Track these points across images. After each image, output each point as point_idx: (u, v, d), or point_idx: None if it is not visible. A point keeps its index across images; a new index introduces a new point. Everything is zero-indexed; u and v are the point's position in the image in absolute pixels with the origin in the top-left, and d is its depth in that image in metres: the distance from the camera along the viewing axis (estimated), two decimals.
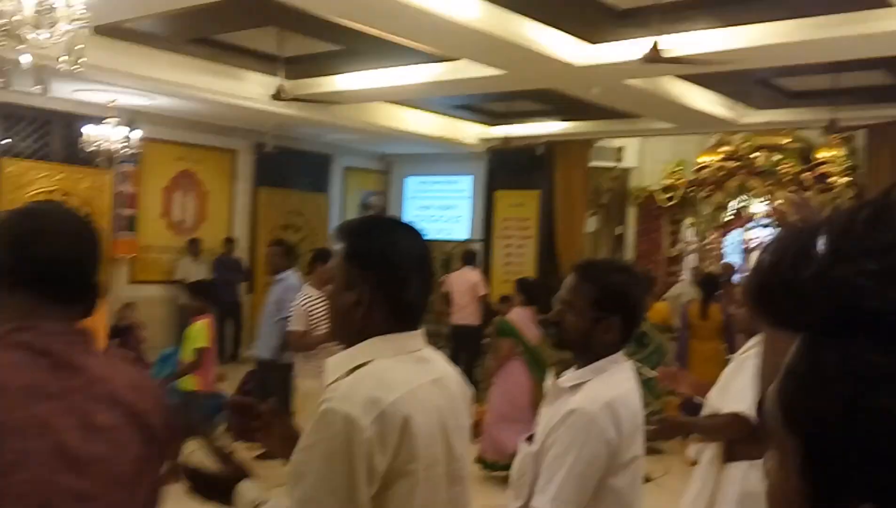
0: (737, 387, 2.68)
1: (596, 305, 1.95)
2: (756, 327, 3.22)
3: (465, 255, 9.16)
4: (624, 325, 1.97)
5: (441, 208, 12.03)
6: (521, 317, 5.93)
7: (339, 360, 1.46)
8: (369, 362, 1.44)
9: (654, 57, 5.49)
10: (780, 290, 0.54)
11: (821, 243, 0.53)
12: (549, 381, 2.08)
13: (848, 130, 8.97)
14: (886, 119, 8.37)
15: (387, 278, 1.48)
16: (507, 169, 10.70)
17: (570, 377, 1.99)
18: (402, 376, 1.43)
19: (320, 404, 1.36)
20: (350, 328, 1.48)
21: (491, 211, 11.00)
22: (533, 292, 6.09)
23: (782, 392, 0.53)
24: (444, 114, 10.01)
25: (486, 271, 10.33)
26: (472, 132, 10.54)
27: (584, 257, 10.69)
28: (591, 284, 1.97)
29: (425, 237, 1.55)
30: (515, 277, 10.76)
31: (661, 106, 8.19)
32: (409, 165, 12.30)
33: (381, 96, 8.52)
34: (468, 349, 8.47)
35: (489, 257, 10.86)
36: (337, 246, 1.51)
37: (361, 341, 1.47)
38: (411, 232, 1.54)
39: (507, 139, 9.94)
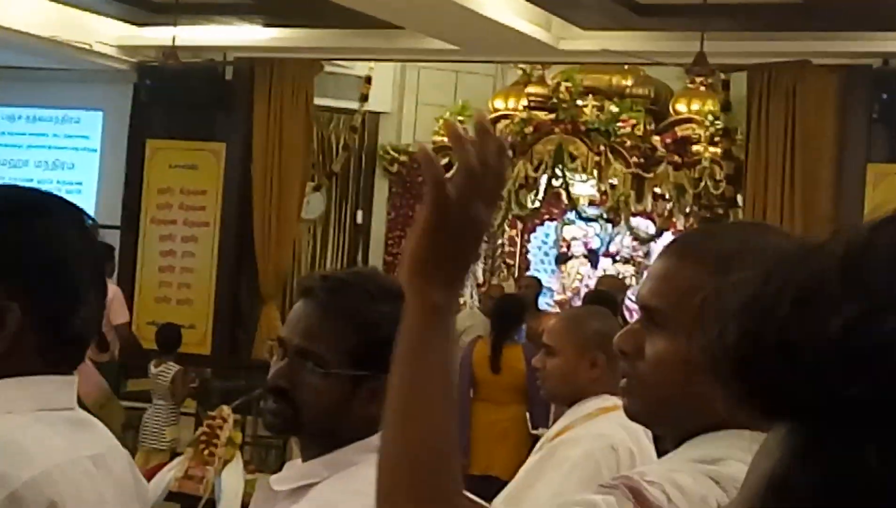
0: (545, 492, 3.01)
1: (356, 359, 2.07)
2: (574, 393, 3.49)
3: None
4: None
5: (46, 168, 11.90)
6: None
7: None
8: None
9: None
10: (782, 358, 0.63)
11: (832, 283, 0.63)
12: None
13: (723, 69, 9.43)
14: (780, 57, 8.88)
15: (45, 291, 1.64)
16: (168, 103, 10.73)
17: (288, 474, 2.15)
18: (46, 443, 1.60)
19: None
20: None
21: (139, 175, 11.04)
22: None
23: None
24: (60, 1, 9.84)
25: (130, 283, 10.43)
26: (106, 33, 10.49)
27: (293, 262, 10.90)
28: (349, 323, 2.08)
29: (89, 223, 1.73)
30: (181, 293, 10.71)
31: (436, 13, 8.30)
32: None
33: None
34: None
35: (135, 259, 10.84)
36: None
37: None
38: (72, 215, 1.70)
39: (170, 50, 9.58)
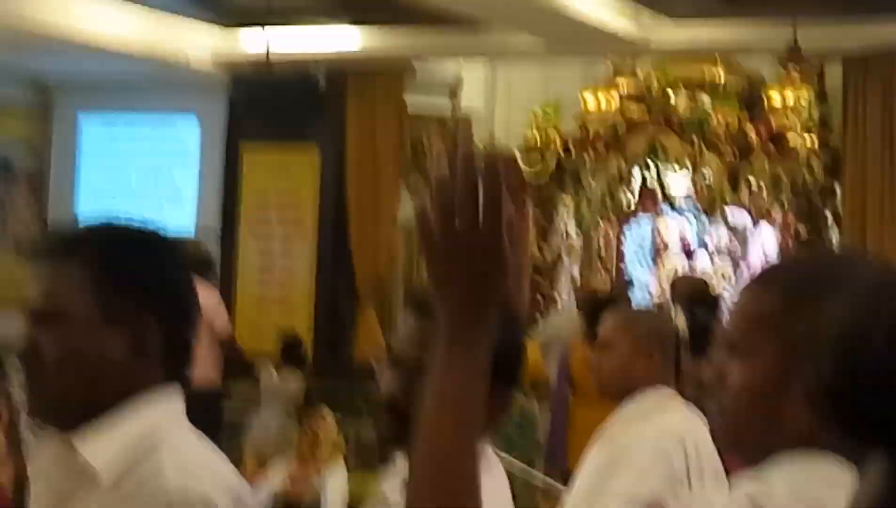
0: (622, 489, 3.20)
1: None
2: (628, 385, 3.55)
3: (192, 260, 8.94)
4: (509, 395, 2.22)
5: (144, 173, 12.03)
6: None
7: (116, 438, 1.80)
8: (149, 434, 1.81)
9: None
10: (879, 391, 0.64)
11: None
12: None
13: (817, 58, 9.29)
14: (876, 44, 8.74)
15: (172, 308, 1.88)
16: (263, 108, 10.78)
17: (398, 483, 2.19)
18: (220, 463, 1.86)
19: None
20: (108, 386, 1.82)
21: (235, 180, 11.12)
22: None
23: None
24: (149, 6, 9.99)
25: (228, 289, 10.48)
26: (199, 42, 10.61)
27: (398, 265, 10.97)
28: None
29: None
30: (281, 294, 10.83)
31: (524, 9, 8.30)
32: (84, 97, 12.21)
33: None
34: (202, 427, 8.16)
35: (232, 264, 10.86)
36: (55, 262, 1.85)
37: (119, 402, 1.81)
38: (170, 242, 1.97)
39: (264, 57, 9.67)
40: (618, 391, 3.61)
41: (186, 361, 1.91)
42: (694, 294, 7.82)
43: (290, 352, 8.71)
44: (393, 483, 2.22)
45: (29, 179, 12.18)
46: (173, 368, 1.87)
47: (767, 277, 1.66)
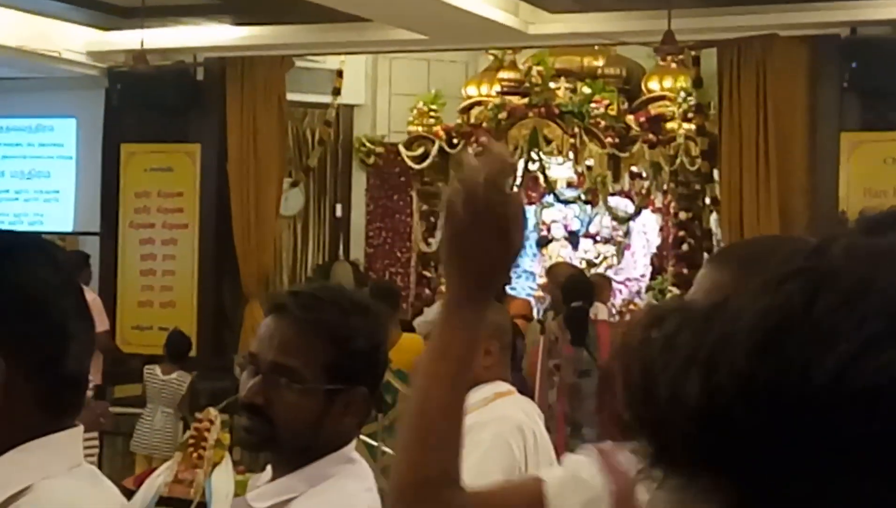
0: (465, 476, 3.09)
1: (331, 373, 2.10)
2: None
3: (73, 261, 8.79)
4: (369, 396, 2.17)
5: (21, 176, 11.81)
6: None
7: None
8: (28, 487, 1.47)
9: None
10: (752, 410, 0.60)
11: (822, 316, 0.61)
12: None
13: (692, 48, 9.44)
14: (748, 31, 8.91)
15: (30, 336, 1.49)
16: (141, 106, 10.70)
17: (265, 490, 2.15)
18: (101, 505, 1.56)
19: None
20: None
21: (115, 180, 11.01)
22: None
23: None
24: (22, 8, 9.78)
25: (111, 290, 10.40)
26: (77, 43, 10.48)
27: (274, 260, 10.90)
28: (324, 338, 2.11)
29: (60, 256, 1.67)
30: (164, 296, 10.69)
31: (403, 3, 8.38)
32: None
33: None
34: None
35: (116, 264, 10.77)
36: None
37: None
38: (41, 250, 1.59)
39: (139, 54, 9.54)
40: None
41: (72, 398, 1.57)
42: (569, 283, 7.91)
43: (175, 352, 8.58)
44: (261, 491, 2.19)
45: None
46: (55, 409, 1.53)
47: (720, 254, 1.85)
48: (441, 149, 11.12)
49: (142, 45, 9.52)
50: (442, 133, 11.13)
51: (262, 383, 2.11)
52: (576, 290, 7.72)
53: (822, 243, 0.65)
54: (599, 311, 8.41)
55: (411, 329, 8.77)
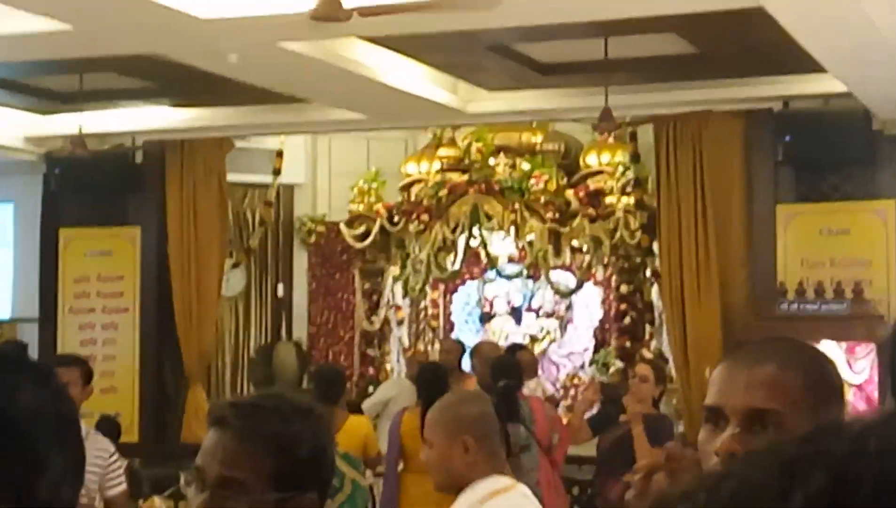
0: None
1: (278, 482, 2.08)
2: (457, 480, 3.49)
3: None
4: (318, 501, 2.14)
5: None
6: None
7: None
8: None
9: (333, 11, 5.51)
10: None
11: None
12: None
13: (629, 124, 9.59)
14: (684, 106, 9.08)
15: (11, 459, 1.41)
16: (80, 190, 10.71)
17: None
18: None
19: None
20: None
21: (54, 265, 10.97)
22: None
23: None
24: None
25: None
26: (13, 125, 10.53)
27: (216, 341, 10.83)
28: (267, 447, 2.09)
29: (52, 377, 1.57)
30: (105, 381, 10.52)
31: (343, 85, 8.42)
32: None
33: None
34: None
35: (54, 351, 10.65)
36: None
37: None
38: (25, 369, 1.51)
39: (78, 138, 9.51)
40: (451, 486, 3.54)
41: None
42: (498, 362, 7.98)
43: (106, 435, 8.41)
44: None
45: None
46: None
47: (782, 356, 1.89)
48: (382, 227, 11.17)
49: (80, 129, 9.49)
50: (383, 211, 11.17)
51: (210, 499, 2.09)
52: (504, 369, 7.79)
53: (854, 432, 0.63)
54: (533, 387, 8.48)
55: (357, 410, 8.75)
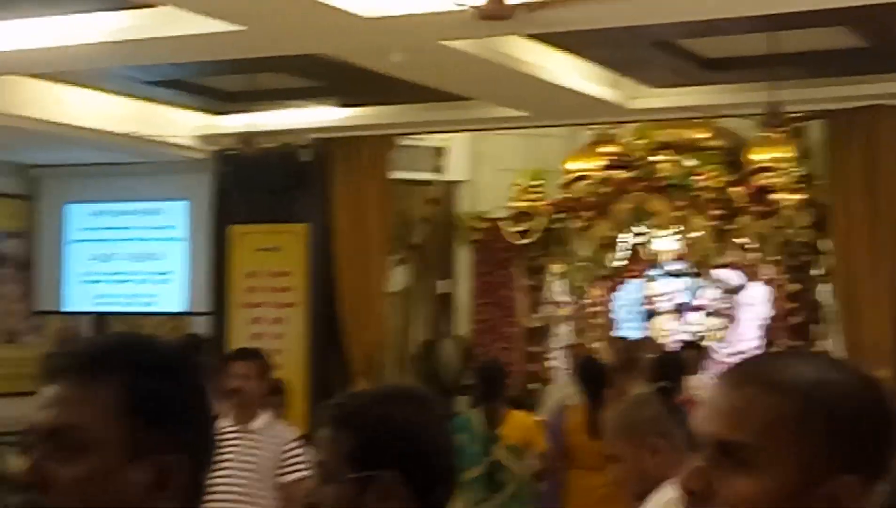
0: None
1: (356, 460, 2.15)
2: (649, 486, 3.36)
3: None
4: (410, 483, 2.15)
5: (133, 259, 12.11)
6: None
7: None
8: None
9: (498, 9, 5.58)
10: None
11: None
12: None
13: (799, 119, 9.44)
14: (855, 101, 8.91)
15: (199, 448, 1.66)
16: (250, 188, 10.88)
17: None
18: None
19: None
20: None
21: (224, 261, 11.16)
22: None
23: None
24: (136, 95, 10.14)
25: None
26: (186, 125, 10.76)
27: (381, 339, 10.98)
28: (348, 430, 2.19)
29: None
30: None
31: (505, 83, 8.44)
32: (72, 185, 12.33)
33: (16, 66, 8.50)
34: None
35: (224, 347, 10.77)
36: (78, 382, 1.60)
37: None
38: (196, 366, 1.74)
39: (248, 136, 9.81)
40: (648, 492, 3.45)
41: (200, 501, 1.68)
42: (660, 361, 7.96)
43: None
44: None
45: (18, 269, 12.24)
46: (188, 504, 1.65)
47: (774, 377, 1.52)
48: (545, 224, 11.22)
49: (249, 128, 9.78)
50: (546, 208, 11.22)
51: (315, 478, 2.30)
52: (665, 368, 7.78)
53: None
54: (695, 385, 8.39)
55: (520, 406, 8.80)
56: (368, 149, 10.66)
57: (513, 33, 7.48)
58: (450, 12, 6.33)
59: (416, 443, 2.20)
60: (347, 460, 2.15)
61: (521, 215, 11.37)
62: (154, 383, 1.62)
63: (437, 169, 11.42)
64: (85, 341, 1.74)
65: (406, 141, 11.07)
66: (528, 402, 9.51)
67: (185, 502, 1.62)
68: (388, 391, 2.36)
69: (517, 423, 7.86)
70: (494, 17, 5.97)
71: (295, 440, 6.24)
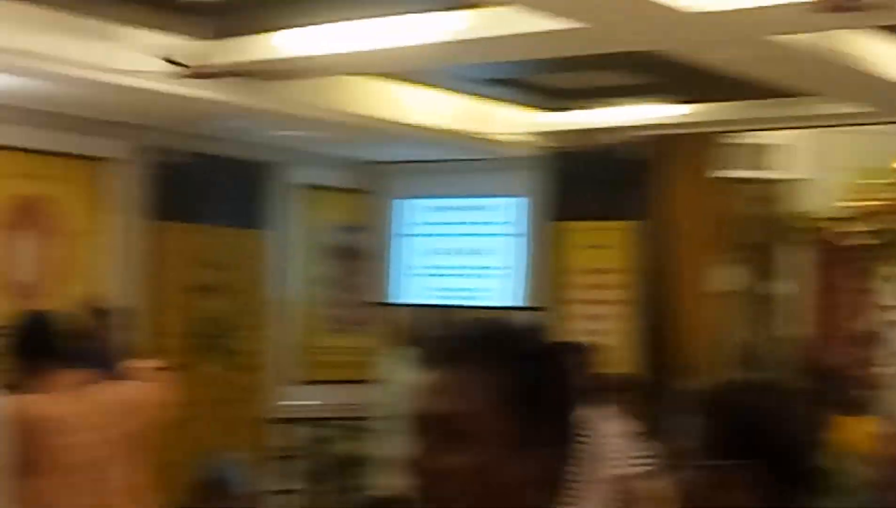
0: None
1: (726, 448, 2.19)
2: None
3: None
4: (772, 476, 2.16)
5: (466, 254, 12.34)
6: None
7: None
8: None
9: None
10: None
11: None
12: None
13: None
14: None
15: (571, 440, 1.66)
16: (583, 185, 11.00)
17: None
18: None
19: None
20: None
21: (554, 257, 11.40)
22: None
23: None
24: (469, 93, 10.35)
25: None
26: (517, 123, 10.90)
27: (709, 341, 10.84)
28: (720, 417, 2.23)
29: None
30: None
31: (843, 77, 8.26)
32: (407, 181, 12.64)
33: (357, 66, 8.72)
34: None
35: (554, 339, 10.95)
36: (467, 372, 1.61)
37: None
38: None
39: (585, 133, 9.90)
40: None
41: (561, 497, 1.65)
42: None
43: None
44: None
45: (356, 260, 12.75)
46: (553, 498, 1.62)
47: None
48: (885, 225, 10.86)
49: (581, 126, 9.86)
50: (886, 208, 10.85)
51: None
52: None
53: None
54: None
55: (853, 410, 8.58)
56: (702, 146, 10.60)
57: (849, 27, 7.27)
58: (784, 4, 6.27)
59: (783, 438, 2.21)
60: (715, 447, 2.17)
61: (861, 215, 11.04)
62: (536, 373, 1.61)
63: (760, 167, 11.22)
64: (465, 328, 1.69)
65: (738, 138, 10.93)
66: (857, 408, 9.23)
67: (554, 497, 1.60)
68: (763, 382, 2.35)
69: (850, 429, 7.69)
70: (839, 6, 5.85)
71: (622, 433, 6.28)
